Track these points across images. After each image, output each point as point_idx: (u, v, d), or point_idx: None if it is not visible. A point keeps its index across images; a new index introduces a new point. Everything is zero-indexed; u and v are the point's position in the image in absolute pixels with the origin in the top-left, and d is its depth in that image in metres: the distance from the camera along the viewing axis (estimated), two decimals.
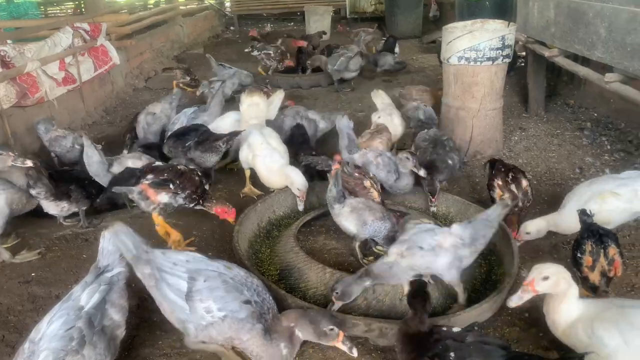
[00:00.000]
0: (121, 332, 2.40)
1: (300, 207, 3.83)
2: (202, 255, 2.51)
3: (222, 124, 4.77)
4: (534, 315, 2.90)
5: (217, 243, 3.69)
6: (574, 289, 2.39)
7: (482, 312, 2.76)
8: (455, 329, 2.28)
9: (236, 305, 2.29)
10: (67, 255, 3.55)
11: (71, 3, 15.25)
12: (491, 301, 2.77)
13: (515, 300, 2.41)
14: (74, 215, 4.02)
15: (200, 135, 4.24)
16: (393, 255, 2.76)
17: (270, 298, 2.44)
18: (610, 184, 3.28)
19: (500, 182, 3.65)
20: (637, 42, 3.72)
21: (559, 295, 2.39)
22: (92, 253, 3.53)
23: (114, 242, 2.44)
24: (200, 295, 2.29)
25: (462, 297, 2.86)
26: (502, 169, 3.73)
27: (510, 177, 3.65)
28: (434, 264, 2.75)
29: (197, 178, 3.54)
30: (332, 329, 2.25)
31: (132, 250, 2.39)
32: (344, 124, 4.05)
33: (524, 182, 3.64)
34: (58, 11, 14.94)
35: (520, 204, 3.57)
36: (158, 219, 3.48)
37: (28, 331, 2.72)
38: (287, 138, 4.71)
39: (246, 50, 8.68)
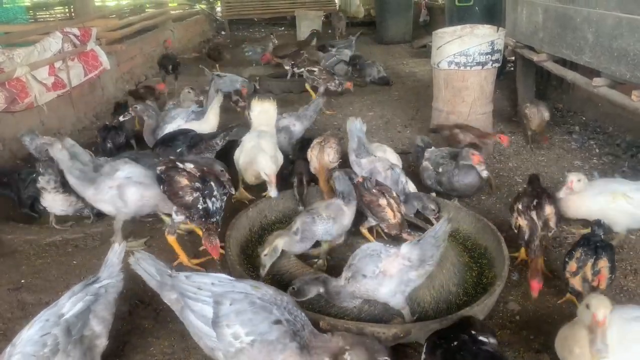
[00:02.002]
0: (101, 343, 2.36)
1: (272, 193, 3.80)
2: (228, 276, 2.40)
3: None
4: (524, 318, 2.93)
5: None
6: None
7: (473, 315, 2.76)
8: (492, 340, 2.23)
9: (266, 326, 2.15)
10: (57, 261, 3.53)
11: (61, 8, 15.18)
12: (482, 304, 2.78)
13: (605, 348, 1.98)
14: (65, 220, 4.02)
15: (190, 140, 4.23)
16: (342, 279, 2.72)
17: (303, 314, 2.29)
18: (625, 186, 3.36)
19: (520, 207, 3.26)
20: (623, 46, 3.78)
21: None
22: (83, 259, 3.52)
23: (138, 271, 2.40)
24: (227, 320, 2.17)
25: (408, 317, 2.77)
26: (531, 191, 3.35)
27: (535, 202, 3.21)
28: (376, 293, 2.67)
29: (187, 198, 3.23)
30: None
31: (156, 276, 2.35)
32: (355, 126, 3.96)
33: (548, 209, 3.19)
34: (47, 16, 14.85)
35: (539, 232, 3.12)
36: (169, 238, 3.37)
37: None
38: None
39: (287, 67, 7.67)
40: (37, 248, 3.70)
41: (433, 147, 4.26)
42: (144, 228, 3.94)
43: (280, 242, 3.11)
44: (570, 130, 5.70)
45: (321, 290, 2.71)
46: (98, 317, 2.35)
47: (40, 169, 3.67)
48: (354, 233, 3.59)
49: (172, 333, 2.83)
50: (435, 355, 2.17)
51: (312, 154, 4.04)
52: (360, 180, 3.38)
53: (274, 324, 2.15)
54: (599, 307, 2.01)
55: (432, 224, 3.68)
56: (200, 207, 3.24)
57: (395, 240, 3.51)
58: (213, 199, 3.28)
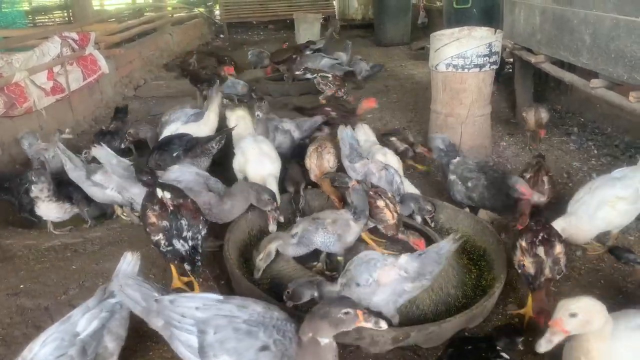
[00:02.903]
0: None
1: (271, 228, 3.56)
2: (215, 295, 2.30)
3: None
4: (523, 321, 2.92)
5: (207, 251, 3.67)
6: (610, 327, 2.09)
7: (472, 318, 2.77)
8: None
9: (252, 354, 2.08)
10: (56, 266, 3.52)
11: (59, 12, 15.19)
12: (481, 307, 2.79)
13: (545, 345, 2.08)
14: (64, 224, 4.02)
15: (186, 143, 4.21)
16: (338, 285, 2.71)
17: (293, 326, 2.18)
18: (615, 188, 3.28)
19: (524, 244, 2.84)
20: (620, 48, 3.78)
21: (592, 335, 2.07)
22: (82, 264, 3.52)
23: (121, 298, 2.33)
24: (213, 350, 2.09)
25: (395, 322, 2.75)
26: (534, 227, 2.89)
27: (541, 237, 2.80)
28: (369, 302, 2.65)
29: (153, 237, 2.98)
30: (347, 313, 2.01)
31: (141, 302, 2.26)
32: (347, 134, 4.00)
33: (558, 248, 2.79)
34: (46, 20, 14.86)
35: (547, 273, 2.76)
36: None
37: (16, 344, 2.72)
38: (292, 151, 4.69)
39: (298, 72, 7.45)
40: (36, 253, 3.70)
41: (458, 158, 4.07)
42: (142, 231, 3.93)
43: (273, 246, 3.12)
44: (568, 132, 5.71)
45: (315, 294, 2.69)
46: (112, 334, 2.31)
47: (33, 178, 3.66)
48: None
49: None
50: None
51: (312, 163, 3.98)
52: (355, 183, 3.37)
53: (260, 351, 2.08)
54: (559, 308, 2.08)
55: (428, 224, 3.70)
56: (164, 249, 2.99)
57: (393, 241, 3.52)
58: (182, 240, 2.96)
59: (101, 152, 3.61)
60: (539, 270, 2.75)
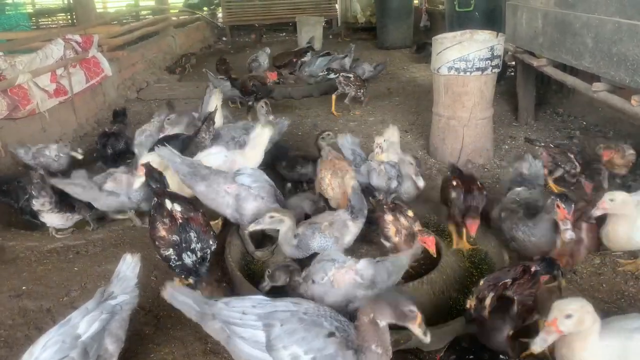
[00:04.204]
0: None
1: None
2: (263, 296, 2.33)
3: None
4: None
5: None
6: (598, 326, 2.14)
7: None
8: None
9: (321, 342, 2.09)
10: (59, 268, 3.53)
11: (63, 14, 15.27)
12: None
13: (540, 344, 2.10)
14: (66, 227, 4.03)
15: (182, 142, 4.17)
16: (302, 278, 2.75)
17: (344, 318, 2.23)
18: None
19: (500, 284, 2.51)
20: (622, 51, 3.78)
21: (580, 334, 2.12)
22: (84, 266, 3.53)
23: (175, 304, 2.33)
24: (282, 342, 2.10)
25: None
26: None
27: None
28: (322, 302, 2.62)
29: (162, 251, 2.91)
30: (411, 310, 2.05)
31: (195, 307, 2.28)
32: (347, 140, 4.03)
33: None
34: (50, 22, 14.95)
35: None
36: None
37: (18, 345, 2.73)
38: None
39: (321, 73, 7.39)
40: (38, 254, 3.71)
41: (522, 188, 3.44)
42: (143, 233, 3.94)
43: (287, 222, 3.04)
44: (570, 135, 5.69)
45: (287, 280, 2.75)
46: (112, 336, 2.32)
47: (34, 192, 3.67)
48: (358, 239, 3.43)
49: (172, 340, 2.84)
50: None
51: (333, 192, 3.60)
52: (381, 198, 3.34)
53: (327, 337, 2.10)
54: (554, 309, 2.11)
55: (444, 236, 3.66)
56: (174, 264, 2.92)
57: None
58: (189, 252, 2.90)
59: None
60: (477, 313, 2.48)
